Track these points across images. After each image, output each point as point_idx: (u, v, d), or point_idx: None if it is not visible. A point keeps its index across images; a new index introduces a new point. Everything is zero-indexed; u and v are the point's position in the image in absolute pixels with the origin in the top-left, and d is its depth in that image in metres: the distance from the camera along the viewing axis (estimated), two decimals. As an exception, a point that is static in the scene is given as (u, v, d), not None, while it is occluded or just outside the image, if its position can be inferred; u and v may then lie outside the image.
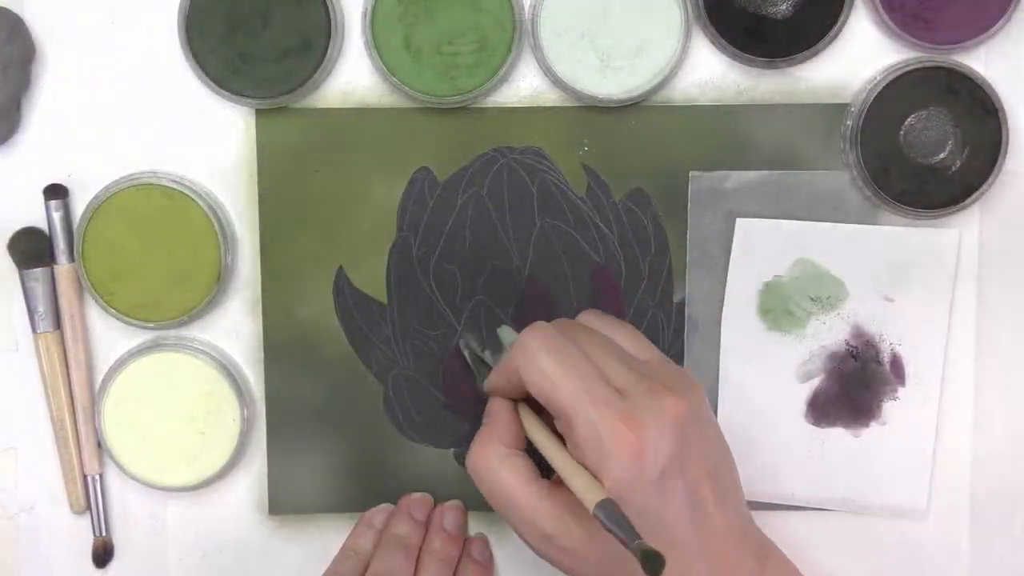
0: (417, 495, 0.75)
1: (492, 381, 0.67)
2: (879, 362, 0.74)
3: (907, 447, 0.75)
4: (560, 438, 0.63)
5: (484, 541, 0.75)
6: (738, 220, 0.73)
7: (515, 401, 0.67)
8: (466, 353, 0.74)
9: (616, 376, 0.62)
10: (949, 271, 0.74)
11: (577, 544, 0.62)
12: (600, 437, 0.60)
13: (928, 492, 0.75)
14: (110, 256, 0.72)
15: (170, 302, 0.73)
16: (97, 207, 0.72)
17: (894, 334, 0.74)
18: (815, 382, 0.74)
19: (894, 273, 0.73)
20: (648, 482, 0.59)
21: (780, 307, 0.74)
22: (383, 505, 0.75)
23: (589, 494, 0.58)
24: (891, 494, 0.75)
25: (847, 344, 0.74)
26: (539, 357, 0.62)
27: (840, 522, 0.75)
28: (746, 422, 0.75)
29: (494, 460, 0.64)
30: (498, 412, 0.67)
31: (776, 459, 0.75)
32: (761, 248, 0.73)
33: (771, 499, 0.75)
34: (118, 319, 0.73)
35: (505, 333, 0.73)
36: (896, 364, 0.74)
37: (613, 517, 0.57)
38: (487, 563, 0.75)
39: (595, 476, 0.60)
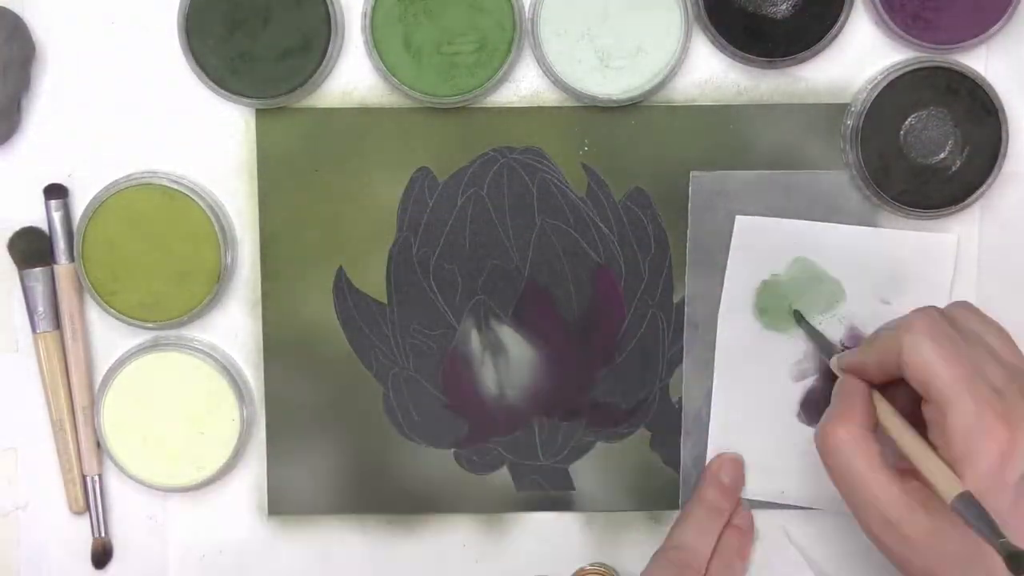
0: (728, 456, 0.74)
1: (856, 360, 0.67)
2: (873, 364, 0.74)
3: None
4: (913, 428, 0.63)
5: (747, 511, 0.75)
6: (737, 218, 0.73)
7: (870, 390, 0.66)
8: (804, 328, 0.74)
9: (992, 374, 0.62)
10: (947, 276, 0.74)
11: (920, 534, 0.61)
12: (973, 429, 0.60)
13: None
14: (110, 256, 0.72)
15: (170, 302, 0.73)
16: (97, 207, 0.72)
17: (891, 337, 0.74)
18: (809, 381, 0.74)
19: (892, 276, 0.73)
20: (1007, 485, 0.59)
21: (777, 306, 0.74)
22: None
23: (947, 485, 0.58)
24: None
25: (842, 345, 0.74)
26: (924, 341, 0.62)
27: (838, 522, 0.75)
28: (739, 419, 0.75)
29: (847, 440, 0.64)
30: (853, 393, 0.66)
31: (768, 457, 0.75)
32: (760, 246, 0.73)
33: (762, 496, 0.75)
34: (118, 319, 0.73)
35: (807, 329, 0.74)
36: (891, 367, 0.74)
37: (975, 511, 0.56)
38: (748, 529, 0.75)
39: (952, 468, 0.60)
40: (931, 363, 0.62)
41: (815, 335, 0.73)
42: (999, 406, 0.60)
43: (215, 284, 0.73)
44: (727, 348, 0.74)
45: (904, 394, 0.65)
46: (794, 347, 0.74)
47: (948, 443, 0.61)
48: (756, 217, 0.73)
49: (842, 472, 0.64)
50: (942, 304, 0.73)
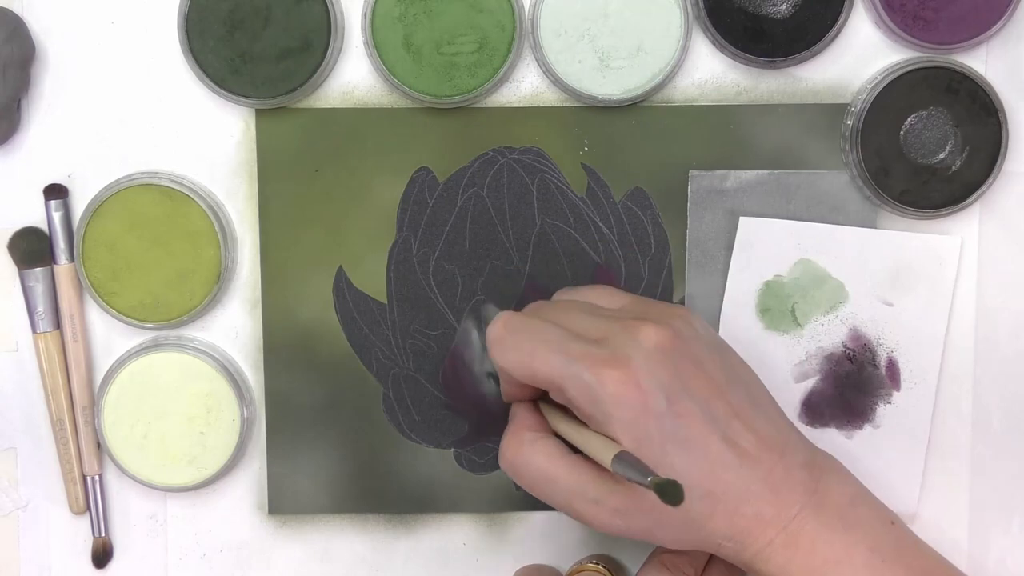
0: None
1: (503, 390, 0.68)
2: (875, 365, 0.74)
3: (899, 451, 0.74)
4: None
5: None
6: (741, 219, 0.73)
7: (535, 402, 0.67)
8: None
9: (589, 329, 0.63)
10: (950, 278, 0.74)
11: (623, 500, 0.62)
12: (591, 388, 0.60)
13: (917, 497, 0.75)
14: (110, 256, 0.72)
15: (170, 302, 0.73)
16: (97, 207, 0.72)
17: (892, 339, 0.74)
18: (810, 383, 0.74)
19: (895, 278, 0.73)
20: (658, 413, 0.60)
21: (779, 307, 0.74)
22: None
23: (605, 452, 0.59)
24: (880, 497, 0.74)
25: (844, 346, 0.74)
26: (506, 340, 0.64)
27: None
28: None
29: (524, 447, 0.64)
30: (515, 412, 0.67)
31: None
32: (763, 247, 0.73)
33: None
34: (118, 319, 0.73)
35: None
36: (892, 368, 0.74)
37: (629, 465, 0.57)
38: None
39: (609, 435, 0.60)
40: (520, 354, 0.62)
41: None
42: (602, 354, 0.61)
43: (215, 284, 0.73)
44: (728, 348, 0.74)
45: None
46: (796, 348, 0.74)
47: (585, 415, 0.61)
48: (759, 218, 0.73)
49: (532, 477, 0.64)
50: (943, 308, 0.74)
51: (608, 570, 0.73)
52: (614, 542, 0.76)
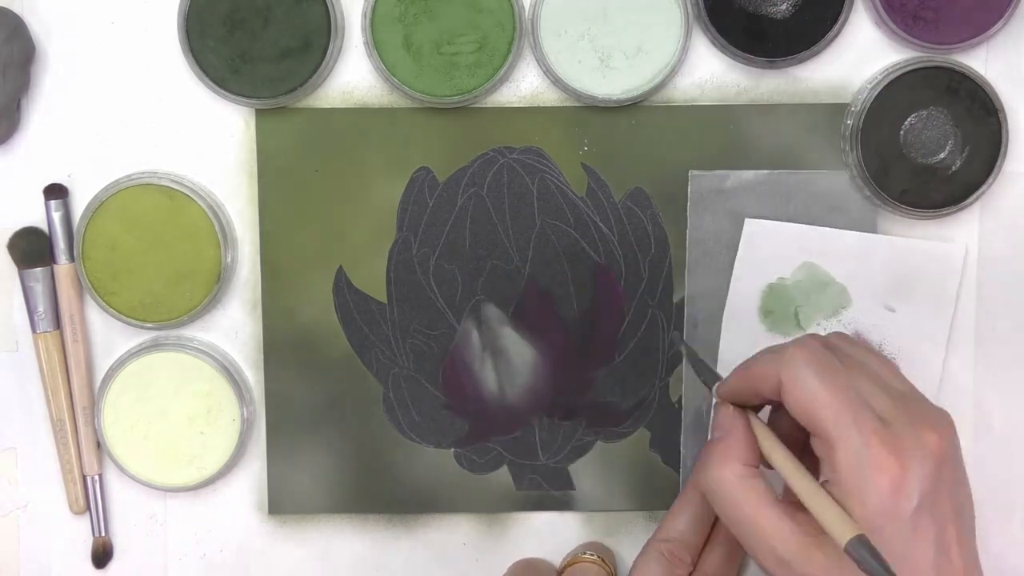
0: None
1: (732, 387, 0.65)
2: (877, 370, 0.74)
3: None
4: (798, 461, 0.62)
5: None
6: (746, 220, 0.73)
7: (745, 410, 0.65)
8: (683, 350, 0.73)
9: (878, 404, 0.61)
10: (953, 286, 0.73)
11: (816, 572, 0.60)
12: (863, 464, 0.59)
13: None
14: (110, 256, 0.72)
15: (170, 302, 0.73)
16: (97, 207, 0.72)
17: (894, 344, 0.74)
18: (811, 384, 0.74)
19: (898, 284, 0.73)
20: (901, 518, 0.59)
21: (782, 310, 0.74)
22: None
23: (840, 527, 0.57)
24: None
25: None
26: (807, 374, 0.61)
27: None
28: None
29: (735, 482, 0.62)
30: (733, 427, 0.64)
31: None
32: (767, 249, 0.73)
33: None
34: (118, 319, 0.73)
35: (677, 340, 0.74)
36: (894, 373, 0.74)
37: (868, 555, 0.55)
38: None
39: (843, 504, 0.59)
40: (815, 397, 0.60)
41: (696, 362, 0.70)
42: (887, 436, 0.59)
43: (215, 284, 0.73)
44: (731, 349, 0.74)
45: (788, 416, 0.63)
46: (797, 349, 0.74)
47: (838, 478, 0.59)
48: (764, 220, 0.73)
49: (731, 514, 0.63)
50: (946, 315, 0.73)
51: (603, 560, 0.73)
52: (608, 531, 0.76)
